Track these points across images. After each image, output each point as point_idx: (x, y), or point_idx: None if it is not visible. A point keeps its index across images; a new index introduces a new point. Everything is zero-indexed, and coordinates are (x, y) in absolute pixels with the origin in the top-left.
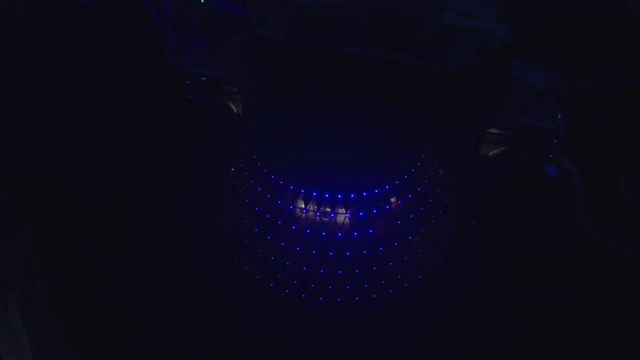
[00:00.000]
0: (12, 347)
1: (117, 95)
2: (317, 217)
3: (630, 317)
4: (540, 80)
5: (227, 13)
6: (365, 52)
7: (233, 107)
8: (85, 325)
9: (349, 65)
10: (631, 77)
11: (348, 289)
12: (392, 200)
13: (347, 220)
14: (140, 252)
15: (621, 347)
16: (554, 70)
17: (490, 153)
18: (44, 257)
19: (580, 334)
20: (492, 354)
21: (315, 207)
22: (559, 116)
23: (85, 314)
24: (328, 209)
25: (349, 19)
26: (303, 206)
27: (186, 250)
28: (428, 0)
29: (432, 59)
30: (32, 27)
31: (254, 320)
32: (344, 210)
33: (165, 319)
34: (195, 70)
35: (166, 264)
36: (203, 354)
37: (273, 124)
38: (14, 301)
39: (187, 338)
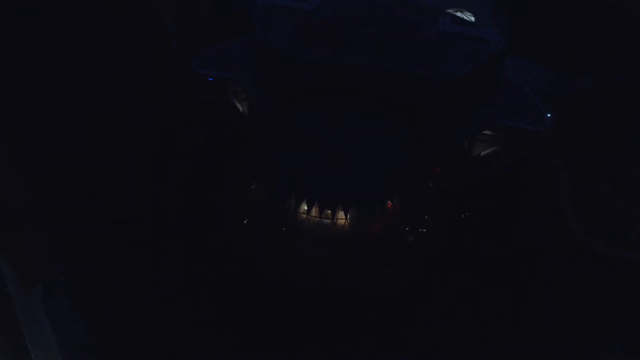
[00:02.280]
0: (39, 340)
1: (121, 92)
2: (319, 220)
3: (612, 314)
4: (533, 77)
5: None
6: (365, 61)
7: (239, 106)
8: (106, 319)
9: (349, 72)
10: (621, 76)
11: (347, 287)
12: (389, 203)
13: (347, 222)
14: (150, 249)
15: (598, 344)
16: (547, 66)
17: (482, 153)
18: (66, 254)
19: (563, 330)
20: (480, 346)
21: (317, 210)
22: (548, 115)
23: (105, 307)
24: (329, 211)
25: (351, 26)
26: (306, 209)
27: (194, 248)
28: (427, 5)
29: (427, 68)
30: (34, 25)
31: (257, 314)
32: (343, 215)
33: (180, 312)
34: (202, 71)
35: (175, 260)
36: (215, 343)
37: (277, 128)
38: (39, 296)
39: (198, 327)
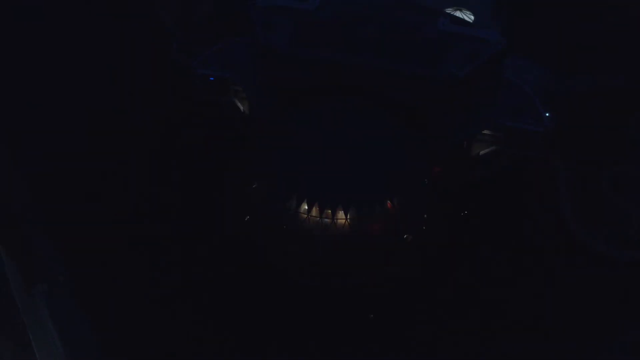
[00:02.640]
0: (42, 338)
1: (121, 91)
2: (319, 220)
3: (611, 314)
4: (533, 77)
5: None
6: (365, 61)
7: (240, 105)
8: (107, 317)
9: (349, 72)
10: (621, 76)
11: (348, 283)
12: (388, 203)
13: (347, 222)
14: (150, 249)
15: (598, 344)
16: (547, 66)
17: (481, 152)
18: (66, 254)
19: (563, 330)
20: (480, 346)
21: (318, 210)
22: (547, 115)
23: (106, 307)
24: (329, 211)
25: (351, 26)
26: (306, 208)
27: (194, 248)
28: (427, 5)
29: (427, 68)
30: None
31: (257, 314)
32: (343, 215)
33: (180, 312)
34: (203, 71)
35: (175, 260)
36: (215, 343)
37: (277, 128)
38: (42, 295)
39: (198, 327)
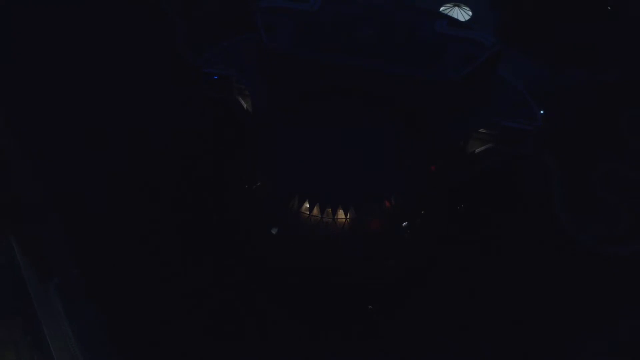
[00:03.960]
0: (56, 329)
1: (127, 88)
2: (320, 219)
3: (598, 308)
4: (527, 74)
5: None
6: (364, 62)
7: (243, 103)
8: (119, 310)
9: (349, 73)
10: (614, 72)
11: (348, 280)
12: (387, 202)
13: (347, 222)
14: (152, 247)
15: (585, 335)
16: (542, 61)
17: (477, 150)
18: (79, 249)
19: (552, 323)
20: (477, 345)
21: (319, 210)
22: (541, 112)
23: (119, 300)
24: (329, 210)
25: (351, 28)
26: (307, 207)
27: (195, 247)
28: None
29: (425, 70)
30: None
31: (258, 313)
32: (343, 215)
33: (180, 311)
34: (207, 70)
35: (175, 259)
36: (215, 342)
37: (278, 128)
38: (56, 288)
39: (198, 326)
